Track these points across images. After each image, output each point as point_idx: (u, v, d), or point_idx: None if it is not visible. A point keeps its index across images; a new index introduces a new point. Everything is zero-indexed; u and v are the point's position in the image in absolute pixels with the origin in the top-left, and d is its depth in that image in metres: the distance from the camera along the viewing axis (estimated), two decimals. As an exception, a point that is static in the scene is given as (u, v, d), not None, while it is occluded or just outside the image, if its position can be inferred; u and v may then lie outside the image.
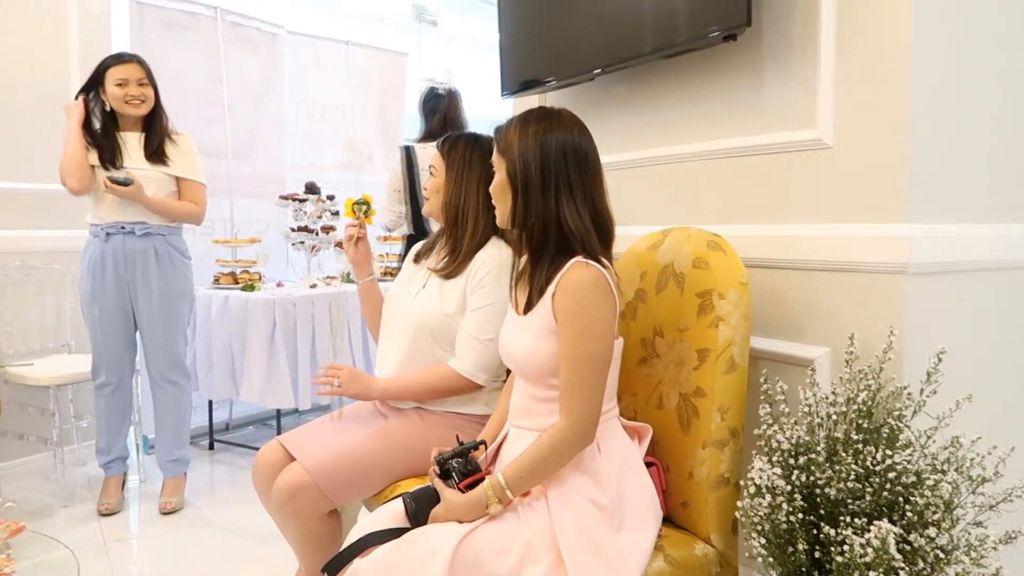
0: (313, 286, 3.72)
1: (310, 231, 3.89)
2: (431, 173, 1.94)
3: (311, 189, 3.98)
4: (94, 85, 2.79)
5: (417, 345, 1.90)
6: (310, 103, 4.67)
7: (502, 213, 1.46)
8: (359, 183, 4.90)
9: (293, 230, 3.89)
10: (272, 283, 3.85)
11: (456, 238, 1.91)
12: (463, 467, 1.42)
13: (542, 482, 1.37)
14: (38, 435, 3.11)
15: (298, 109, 4.60)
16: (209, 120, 4.01)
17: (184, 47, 3.90)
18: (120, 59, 2.79)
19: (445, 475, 1.44)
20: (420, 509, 1.41)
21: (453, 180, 1.90)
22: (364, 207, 2.11)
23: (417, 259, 2.05)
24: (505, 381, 1.98)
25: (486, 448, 1.53)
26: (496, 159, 1.46)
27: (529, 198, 1.39)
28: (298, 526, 1.81)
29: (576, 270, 1.36)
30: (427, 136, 3.38)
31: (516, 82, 2.31)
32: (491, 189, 1.48)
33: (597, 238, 1.40)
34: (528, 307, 1.44)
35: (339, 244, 4.09)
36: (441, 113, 3.36)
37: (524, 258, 1.49)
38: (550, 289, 1.39)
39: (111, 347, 2.89)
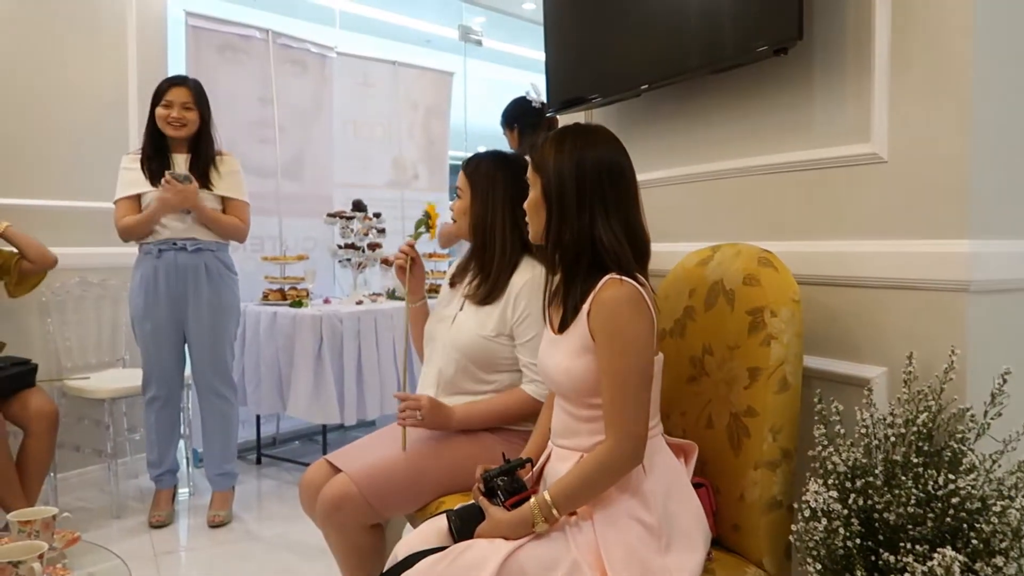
0: (359, 303, 3.76)
1: (356, 248, 3.94)
2: (458, 195, 1.94)
3: (358, 207, 4.04)
4: (154, 105, 2.88)
5: (458, 370, 1.89)
6: (358, 122, 4.75)
7: (536, 230, 1.46)
8: (404, 200, 4.96)
9: (340, 247, 3.94)
10: (319, 300, 3.91)
11: (485, 260, 1.91)
12: (509, 485, 1.41)
13: (589, 502, 1.35)
14: (93, 447, 3.19)
15: (346, 128, 4.68)
16: (260, 140, 4.11)
17: (237, 69, 4.00)
18: (173, 82, 2.90)
19: (490, 493, 1.43)
20: (464, 526, 1.40)
21: (480, 201, 1.90)
22: (424, 222, 2.10)
23: (452, 283, 2.05)
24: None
25: (532, 466, 1.52)
26: (531, 176, 1.46)
27: (564, 215, 1.39)
28: (342, 539, 1.81)
29: (610, 287, 1.35)
30: (532, 148, 3.42)
31: (562, 99, 2.32)
32: (526, 206, 1.47)
33: (632, 255, 1.39)
34: (563, 326, 1.43)
35: (386, 261, 4.13)
36: (544, 125, 3.40)
37: (557, 276, 1.48)
38: (584, 307, 1.38)
39: (162, 361, 2.96)
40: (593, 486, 1.34)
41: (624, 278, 1.35)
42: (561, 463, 1.42)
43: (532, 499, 1.35)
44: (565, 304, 1.42)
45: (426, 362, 2.03)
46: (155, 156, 2.89)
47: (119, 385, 3.10)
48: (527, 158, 1.50)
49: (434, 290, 4.28)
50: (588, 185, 1.37)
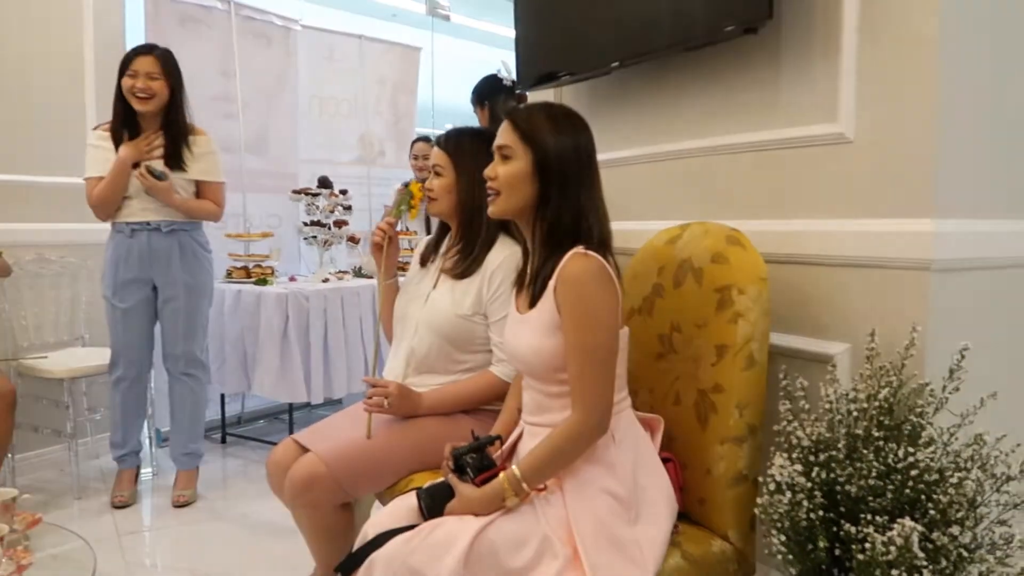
0: (325, 280, 3.72)
1: (323, 225, 3.89)
2: (437, 172, 1.89)
3: (324, 183, 3.98)
4: (120, 76, 2.75)
5: (432, 348, 1.88)
6: (323, 97, 4.68)
7: (514, 201, 1.43)
8: (371, 177, 4.91)
9: (306, 224, 3.89)
10: (284, 277, 3.86)
11: (470, 238, 1.89)
12: (478, 462, 1.41)
13: (557, 474, 1.37)
14: (52, 428, 3.12)
15: (311, 104, 4.61)
16: (223, 115, 4.02)
17: (198, 41, 3.90)
18: (138, 51, 2.76)
19: (459, 470, 1.43)
20: (434, 504, 1.40)
21: (466, 178, 1.86)
22: (407, 201, 2.05)
23: (423, 263, 2.03)
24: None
25: (502, 444, 1.52)
26: (516, 146, 1.43)
27: (565, 192, 1.40)
28: (312, 519, 1.81)
29: (575, 261, 1.36)
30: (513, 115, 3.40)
31: (533, 76, 2.30)
32: (502, 176, 1.43)
33: (597, 235, 1.41)
34: (532, 303, 1.43)
35: (352, 239, 4.09)
36: (515, 103, 3.38)
37: (531, 255, 1.48)
38: (551, 283, 1.38)
39: (131, 341, 2.90)
40: (561, 458, 1.35)
41: (589, 252, 1.36)
42: (533, 440, 1.42)
43: (502, 474, 1.36)
44: (536, 280, 1.43)
45: (396, 341, 2.01)
46: (124, 131, 2.77)
47: (79, 364, 3.03)
48: (509, 120, 1.46)
49: (402, 268, 4.27)
50: (582, 165, 1.42)
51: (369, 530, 1.42)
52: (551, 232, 1.41)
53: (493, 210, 1.47)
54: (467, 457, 1.42)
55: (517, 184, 1.42)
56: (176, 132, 2.81)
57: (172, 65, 2.78)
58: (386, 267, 2.03)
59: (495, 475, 1.38)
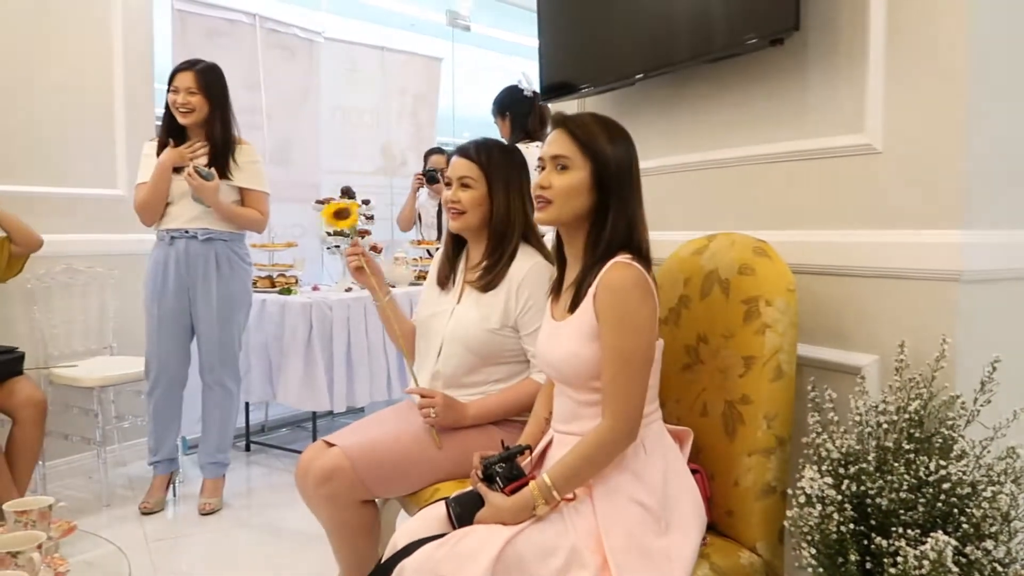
0: (348, 290, 3.75)
1: (345, 235, 3.91)
2: (465, 184, 1.86)
3: (347, 193, 4.01)
4: (168, 91, 2.85)
5: (460, 364, 1.88)
6: (346, 108, 4.73)
7: (568, 211, 1.43)
8: (393, 187, 4.94)
9: (329, 234, 3.91)
10: (308, 287, 3.89)
11: (502, 251, 1.87)
12: (508, 472, 1.42)
13: (587, 481, 1.37)
14: (82, 435, 3.17)
15: (334, 114, 4.65)
16: (247, 126, 4.03)
17: (224, 54, 3.95)
18: (180, 67, 2.86)
19: (488, 479, 1.44)
20: (464, 512, 1.41)
21: (502, 192, 1.86)
22: (347, 221, 2.02)
23: (442, 283, 2.00)
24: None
25: (531, 453, 1.53)
26: (574, 156, 1.42)
27: (620, 202, 1.42)
28: (331, 514, 1.81)
29: (617, 269, 1.37)
30: (524, 137, 3.43)
31: (556, 86, 2.31)
32: (557, 186, 1.42)
33: (638, 245, 1.44)
34: (571, 309, 1.44)
35: (375, 248, 4.12)
36: (536, 113, 3.40)
37: (575, 262, 1.49)
38: (591, 291, 1.40)
39: (167, 348, 2.94)
40: (591, 465, 1.36)
41: (631, 261, 1.38)
42: (563, 449, 1.43)
43: (532, 483, 1.37)
44: (579, 287, 1.44)
45: (420, 357, 2.00)
46: (171, 142, 2.86)
47: (108, 373, 3.08)
48: (564, 129, 1.46)
49: (422, 276, 4.29)
50: (634, 177, 1.45)
51: (399, 540, 1.43)
52: (602, 241, 1.42)
53: (543, 218, 1.47)
54: (497, 467, 1.43)
55: (574, 194, 1.42)
56: (220, 142, 2.87)
57: (211, 80, 2.86)
58: (371, 288, 2.01)
59: (525, 484, 1.38)
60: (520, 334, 1.85)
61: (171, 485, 3.10)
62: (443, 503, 1.47)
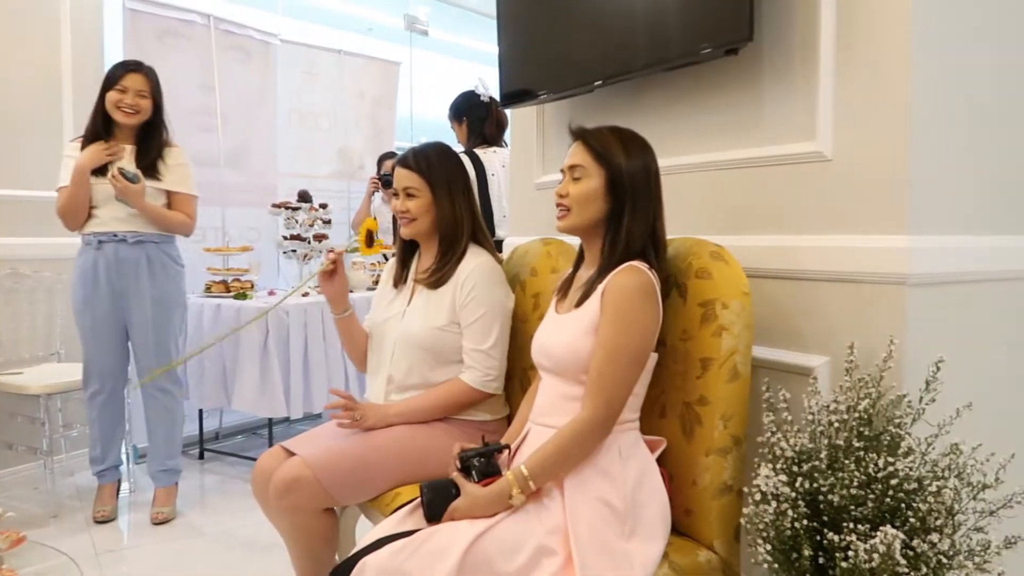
0: (305, 295, 3.71)
1: (302, 239, 3.88)
2: (410, 194, 1.90)
3: (303, 197, 3.98)
4: (105, 89, 2.77)
5: (412, 366, 1.90)
6: (303, 112, 4.68)
7: (585, 218, 1.51)
8: (351, 191, 4.90)
9: (285, 238, 3.88)
10: (264, 291, 3.84)
11: (452, 252, 1.91)
12: (484, 467, 1.44)
13: (564, 472, 1.39)
14: (27, 445, 3.08)
15: (290, 117, 4.61)
16: (202, 128, 4.01)
17: (177, 55, 3.89)
18: (128, 67, 2.80)
19: (465, 472, 1.46)
20: (435, 500, 1.42)
21: (446, 197, 1.90)
22: (361, 241, 2.06)
23: (396, 285, 2.04)
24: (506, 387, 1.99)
25: (510, 452, 1.55)
26: (588, 165, 1.50)
27: (635, 209, 1.48)
28: (293, 522, 1.80)
29: (628, 271, 1.44)
30: (482, 141, 3.43)
31: (515, 92, 2.33)
32: (574, 194, 1.51)
33: (655, 251, 1.51)
34: (578, 304, 1.49)
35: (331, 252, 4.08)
36: (493, 118, 3.42)
37: (591, 263, 1.55)
38: (600, 288, 1.45)
39: (103, 355, 2.87)
40: (567, 456, 1.38)
41: (642, 267, 1.43)
42: (539, 441, 1.45)
43: (509, 472, 1.39)
44: (591, 286, 1.49)
45: (375, 362, 2.02)
46: (98, 143, 2.78)
47: (55, 380, 2.99)
48: (581, 141, 1.53)
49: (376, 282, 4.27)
50: (652, 187, 1.51)
51: (368, 541, 1.42)
52: (618, 245, 1.48)
53: (563, 226, 1.54)
54: (475, 460, 1.44)
55: (589, 202, 1.50)
56: (154, 146, 2.84)
57: (157, 83, 2.85)
58: (335, 299, 2.03)
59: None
60: (461, 327, 1.87)
61: (118, 493, 3.03)
62: (410, 507, 1.47)
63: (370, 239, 2.08)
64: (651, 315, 1.43)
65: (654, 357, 1.50)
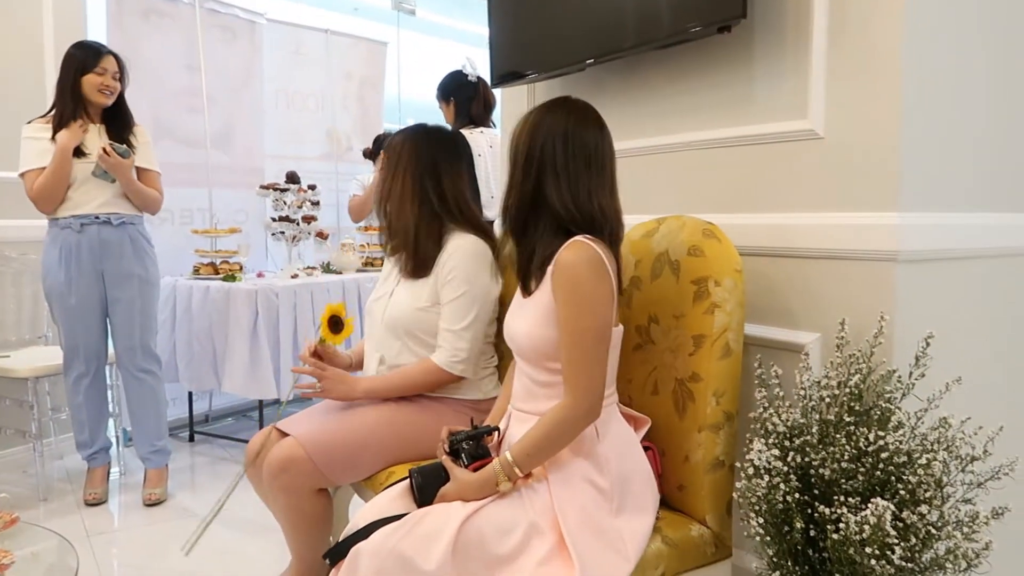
0: (294, 276, 3.70)
1: (291, 221, 3.86)
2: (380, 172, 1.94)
3: (292, 179, 3.95)
4: (82, 71, 2.78)
5: (396, 344, 1.91)
6: (290, 92, 4.63)
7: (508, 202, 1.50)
8: (338, 172, 4.87)
9: (274, 220, 3.85)
10: (252, 273, 3.82)
11: (421, 239, 1.91)
12: (473, 450, 1.44)
13: (549, 458, 1.40)
14: (16, 428, 3.06)
15: (278, 98, 4.56)
16: (188, 109, 3.96)
17: (162, 35, 3.84)
18: (101, 50, 2.83)
19: (454, 455, 1.46)
20: (426, 485, 1.42)
21: (393, 176, 1.91)
22: (340, 335, 1.92)
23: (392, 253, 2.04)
24: (498, 366, 2.00)
25: (500, 435, 1.55)
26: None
27: (512, 181, 1.47)
28: (287, 503, 1.81)
29: (572, 248, 1.39)
30: (469, 122, 3.42)
31: (506, 72, 2.32)
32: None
33: (589, 224, 1.42)
34: (528, 289, 1.47)
35: (320, 235, 4.06)
36: (481, 98, 3.42)
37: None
38: (549, 269, 1.42)
39: (87, 337, 2.87)
40: (552, 443, 1.38)
41: (586, 241, 1.39)
42: (520, 426, 1.45)
43: (495, 460, 1.39)
44: (528, 267, 1.46)
45: (366, 343, 2.04)
46: (72, 124, 2.77)
47: (42, 363, 2.97)
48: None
49: (370, 263, 4.25)
50: (538, 151, 1.43)
51: (360, 520, 1.43)
52: (552, 222, 1.43)
53: (505, 227, 1.52)
54: (464, 443, 1.45)
55: (511, 189, 1.48)
56: (125, 124, 2.89)
57: (123, 63, 2.90)
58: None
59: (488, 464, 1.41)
60: (441, 305, 1.88)
61: (108, 476, 3.03)
62: (402, 485, 1.47)
63: (336, 324, 1.93)
64: (603, 290, 1.38)
65: (618, 331, 1.48)
